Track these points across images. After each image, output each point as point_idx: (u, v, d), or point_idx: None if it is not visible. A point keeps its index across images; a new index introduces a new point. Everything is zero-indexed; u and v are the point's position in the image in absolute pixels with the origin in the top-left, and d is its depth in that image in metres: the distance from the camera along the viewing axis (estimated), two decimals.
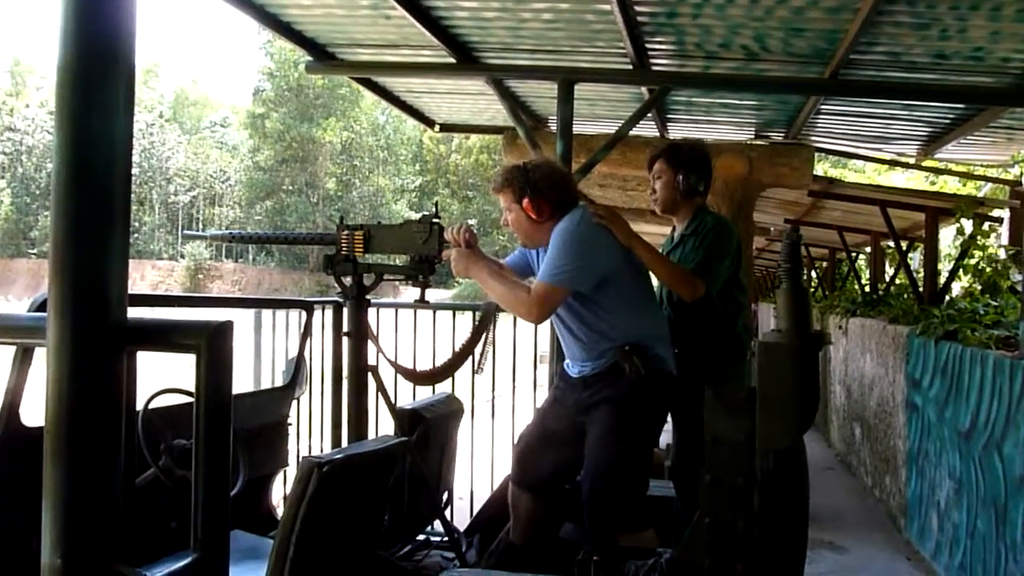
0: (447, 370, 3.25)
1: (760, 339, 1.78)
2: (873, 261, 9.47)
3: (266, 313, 4.44)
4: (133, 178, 1.12)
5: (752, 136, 6.20)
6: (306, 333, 3.67)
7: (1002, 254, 5.84)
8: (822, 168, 15.90)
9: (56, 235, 1.00)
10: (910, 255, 8.25)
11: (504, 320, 3.75)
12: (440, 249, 2.73)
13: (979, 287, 5.66)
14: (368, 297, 2.88)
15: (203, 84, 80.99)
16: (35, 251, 56.09)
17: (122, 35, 1.03)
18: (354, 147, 55.21)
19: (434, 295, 3.78)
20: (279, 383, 3.66)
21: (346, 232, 2.78)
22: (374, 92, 5.57)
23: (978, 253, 5.86)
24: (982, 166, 7.02)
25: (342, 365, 3.10)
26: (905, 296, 7.17)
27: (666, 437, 3.06)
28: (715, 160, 3.23)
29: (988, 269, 5.60)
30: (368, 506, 2.43)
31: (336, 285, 2.86)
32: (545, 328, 3.86)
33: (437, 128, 6.73)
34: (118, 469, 0.99)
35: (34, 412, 1.64)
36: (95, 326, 0.98)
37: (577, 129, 4.73)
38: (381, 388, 3.02)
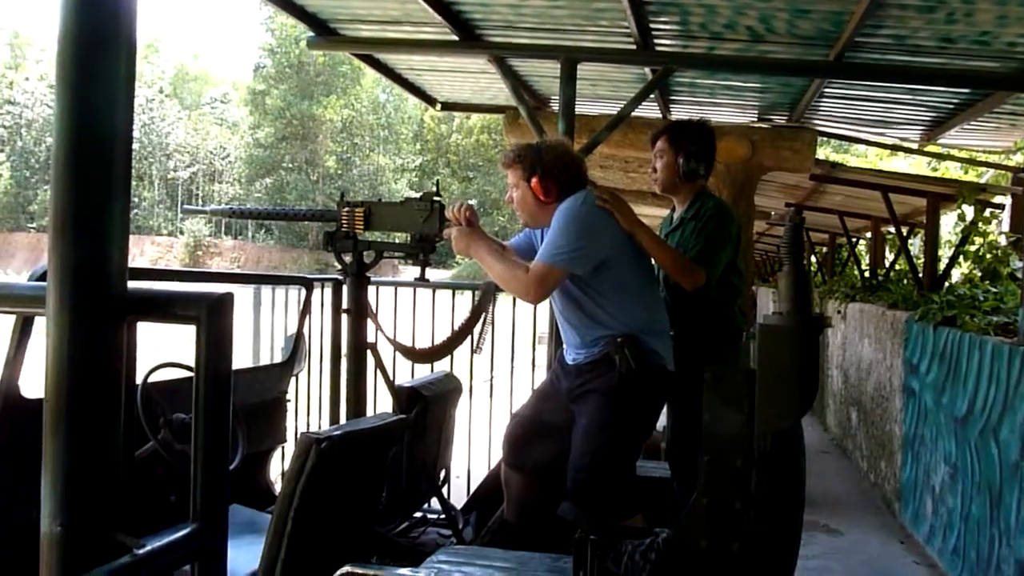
0: (446, 349, 3.25)
1: (761, 321, 1.78)
2: (873, 246, 9.47)
3: (265, 290, 4.45)
4: (133, 154, 1.12)
5: (755, 119, 6.17)
6: (305, 310, 3.67)
7: (1003, 241, 5.84)
8: (824, 153, 15.85)
9: (56, 205, 0.99)
10: (910, 241, 8.24)
11: (503, 300, 3.75)
12: (441, 227, 2.72)
13: (979, 274, 5.66)
14: (368, 275, 2.88)
15: (204, 60, 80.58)
16: (34, 225, 56.02)
17: (123, 8, 1.02)
18: (355, 125, 55.01)
19: (434, 275, 3.77)
20: (278, 360, 3.67)
21: (347, 209, 2.77)
22: (375, 69, 5.53)
23: (979, 240, 5.86)
24: (985, 152, 6.99)
25: (341, 342, 3.10)
26: (905, 282, 7.17)
27: (662, 419, 3.06)
28: (717, 142, 3.21)
29: (988, 256, 5.60)
30: (366, 483, 2.44)
31: (336, 262, 2.85)
32: (544, 309, 3.86)
33: (438, 106, 6.69)
34: (117, 438, 0.99)
35: (34, 384, 1.64)
36: (95, 295, 0.97)
37: (579, 109, 4.70)
38: (380, 366, 3.02)
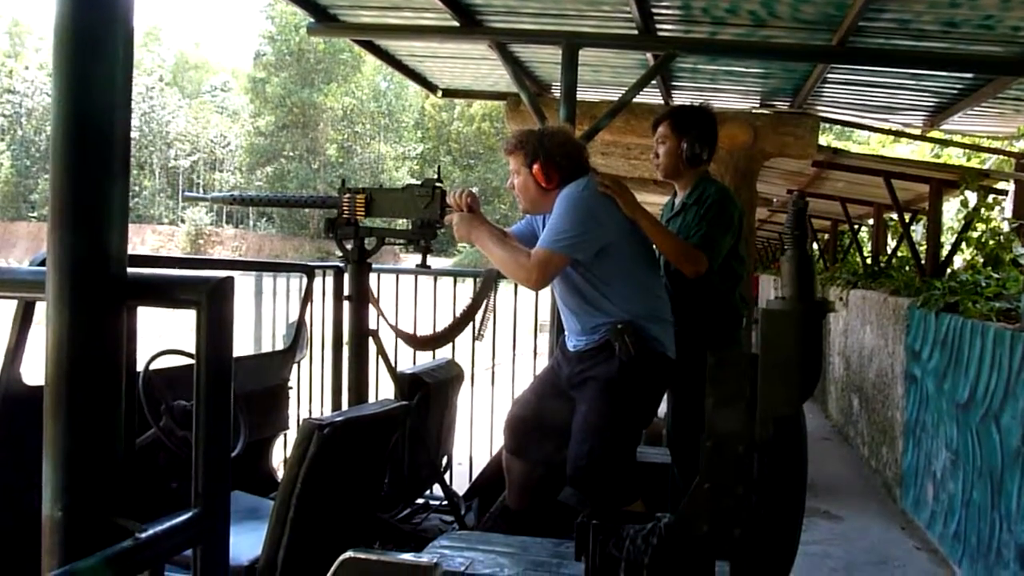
0: (448, 336, 3.25)
1: (764, 306, 1.77)
2: (875, 233, 9.44)
3: (267, 278, 4.44)
4: (133, 142, 1.11)
5: (757, 104, 6.15)
6: (307, 297, 3.67)
7: (1005, 227, 5.82)
8: (826, 139, 15.78)
9: (55, 189, 0.99)
10: (913, 227, 8.22)
11: (505, 287, 3.74)
12: (442, 214, 2.71)
13: (981, 260, 5.64)
14: (369, 262, 2.87)
15: (204, 48, 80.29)
16: (35, 214, 56.02)
17: None
18: (355, 113, 54.89)
19: (435, 263, 3.76)
20: (280, 347, 3.67)
21: (348, 196, 2.76)
22: (376, 56, 5.51)
23: (981, 226, 5.84)
24: (988, 138, 6.97)
25: (343, 329, 3.10)
26: (907, 268, 7.16)
27: (663, 404, 3.06)
28: (719, 128, 3.19)
29: (991, 242, 5.58)
30: (368, 469, 2.45)
31: (337, 249, 2.84)
32: (546, 296, 3.85)
33: (439, 93, 6.67)
34: (117, 423, 0.99)
35: (35, 371, 1.64)
36: (94, 279, 0.97)
37: (581, 96, 4.68)
38: (382, 352, 3.02)
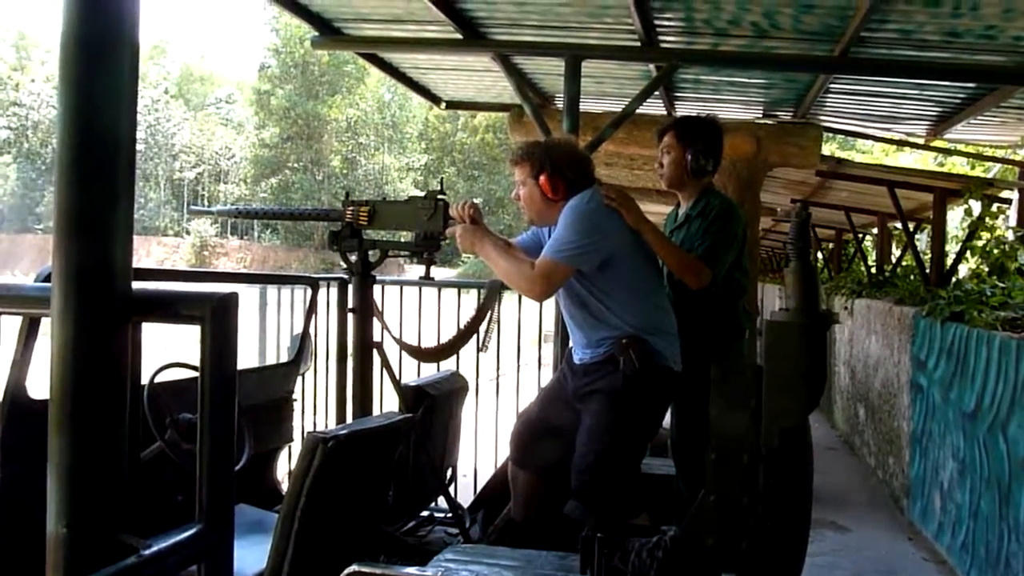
0: (451, 347, 3.25)
1: (768, 318, 1.77)
2: (880, 242, 9.43)
3: (271, 290, 4.45)
4: (139, 154, 1.12)
5: (760, 115, 6.16)
6: (311, 310, 3.67)
7: (1010, 236, 5.81)
8: (829, 149, 15.79)
9: (60, 205, 0.99)
10: (917, 236, 8.21)
11: (509, 299, 3.74)
12: (445, 225, 2.71)
13: (986, 269, 5.63)
14: (373, 274, 2.88)
15: (209, 61, 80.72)
16: (41, 227, 56.17)
17: (126, 8, 1.02)
18: (359, 125, 55.07)
19: (439, 273, 3.77)
20: (284, 360, 3.67)
21: (351, 208, 2.77)
22: (380, 68, 5.53)
23: (986, 235, 5.83)
24: (991, 147, 6.96)
25: (347, 342, 3.10)
26: (912, 277, 7.15)
27: (667, 416, 3.05)
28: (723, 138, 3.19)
29: (996, 251, 5.57)
30: (372, 482, 2.44)
31: (341, 262, 2.85)
32: (549, 307, 3.85)
33: (443, 105, 6.69)
34: (123, 439, 0.99)
35: (41, 386, 1.64)
36: (100, 296, 0.97)
37: (584, 107, 4.69)
38: (386, 365, 3.02)
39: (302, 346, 3.61)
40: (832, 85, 5.12)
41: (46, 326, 1.11)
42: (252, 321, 4.39)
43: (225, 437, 1.07)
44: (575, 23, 4.27)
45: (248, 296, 4.19)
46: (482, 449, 4.48)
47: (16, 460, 2.13)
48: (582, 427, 2.61)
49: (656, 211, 7.26)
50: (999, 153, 7.28)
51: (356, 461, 2.24)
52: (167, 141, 59.11)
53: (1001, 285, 4.75)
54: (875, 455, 6.18)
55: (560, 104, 5.00)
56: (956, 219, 8.14)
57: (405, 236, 2.85)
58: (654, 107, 5.87)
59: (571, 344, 2.80)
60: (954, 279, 6.01)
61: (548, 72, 5.38)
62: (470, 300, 4.09)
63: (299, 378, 3.68)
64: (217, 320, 1.02)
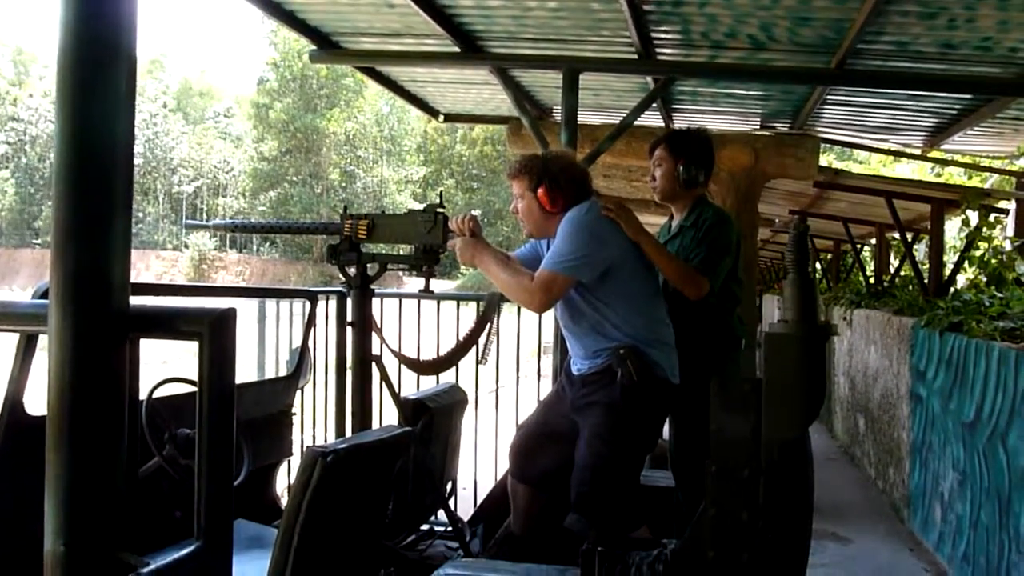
0: (451, 360, 3.24)
1: (767, 330, 1.77)
2: (878, 252, 9.44)
3: (270, 303, 4.45)
4: (137, 168, 1.12)
5: (757, 127, 6.18)
6: (310, 323, 3.67)
7: (1008, 246, 5.81)
8: (826, 160, 15.81)
9: (58, 222, 0.99)
10: (915, 247, 8.22)
11: (508, 310, 3.74)
12: (445, 239, 2.72)
13: (984, 279, 5.63)
14: (372, 287, 2.88)
15: (208, 75, 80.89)
16: (39, 241, 56.17)
17: (123, 23, 1.02)
18: (358, 137, 55.13)
19: (438, 285, 3.77)
20: (283, 373, 3.66)
21: (350, 221, 2.77)
22: (378, 82, 5.55)
23: (983, 245, 5.83)
24: (988, 157, 6.98)
25: (346, 355, 3.10)
26: (910, 288, 7.15)
27: (666, 427, 3.05)
28: (720, 151, 3.21)
29: (994, 261, 5.57)
30: (372, 496, 2.43)
31: (340, 275, 2.85)
32: (548, 319, 3.85)
33: (441, 118, 6.71)
34: (121, 456, 0.98)
35: (39, 402, 1.64)
36: (97, 312, 0.97)
37: (582, 119, 4.71)
38: (385, 378, 3.01)
39: (301, 360, 3.61)
40: (829, 97, 5.15)
41: (43, 341, 1.11)
42: (251, 335, 4.39)
43: (224, 453, 1.07)
44: (572, 36, 4.30)
45: (247, 310, 4.20)
46: (482, 462, 4.47)
47: (13, 477, 2.12)
48: (580, 439, 2.61)
49: (654, 222, 7.25)
50: (996, 163, 7.30)
51: (356, 475, 2.24)
52: (165, 155, 59.18)
53: (999, 295, 4.75)
54: (875, 465, 6.17)
55: (558, 116, 5.03)
56: (954, 229, 8.16)
57: (404, 249, 2.85)
58: (652, 119, 5.90)
59: (570, 355, 2.80)
60: (952, 289, 6.01)
61: (546, 85, 5.40)
62: (469, 312, 4.09)
63: (298, 392, 3.67)
64: (216, 336, 1.02)
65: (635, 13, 3.78)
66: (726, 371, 3.03)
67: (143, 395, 2.18)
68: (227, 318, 1.04)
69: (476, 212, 2.85)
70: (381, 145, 56.74)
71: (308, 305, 3.69)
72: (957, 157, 7.27)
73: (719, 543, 1.78)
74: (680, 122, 6.15)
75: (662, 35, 4.19)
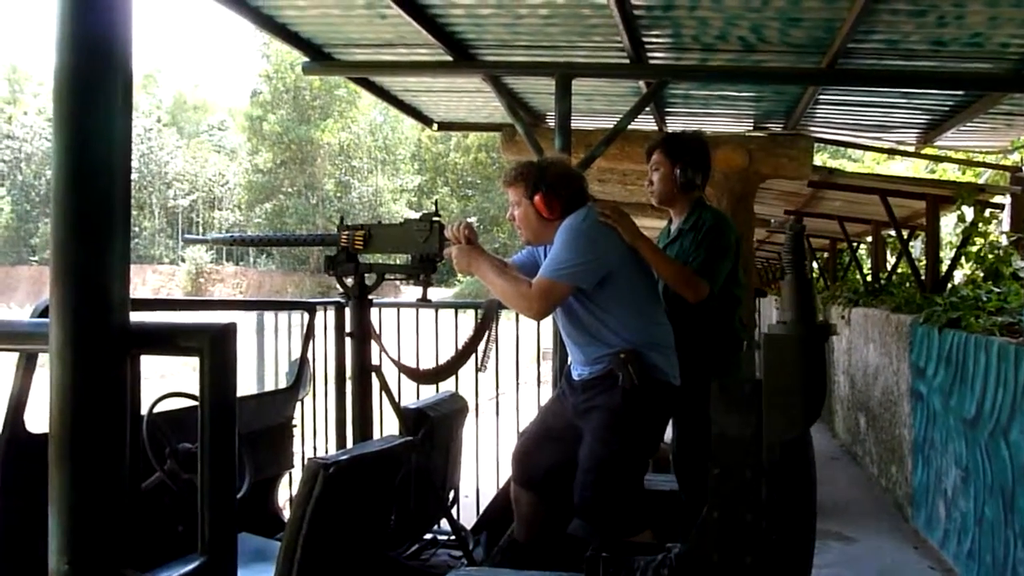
0: (450, 368, 3.24)
1: (765, 331, 1.77)
2: (874, 250, 9.46)
3: (268, 315, 4.44)
4: (133, 183, 1.12)
5: (751, 128, 6.19)
6: (309, 334, 3.67)
7: (1004, 241, 5.83)
8: (820, 159, 15.84)
9: (56, 239, 0.99)
10: (911, 244, 8.23)
11: (506, 317, 3.74)
12: (441, 247, 2.72)
13: (981, 274, 5.64)
14: (370, 297, 2.88)
15: (201, 88, 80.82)
16: (36, 258, 56.10)
17: (118, 38, 1.02)
18: (352, 148, 55.17)
19: (436, 294, 3.77)
20: (283, 385, 3.66)
21: (347, 232, 2.77)
22: (371, 92, 5.56)
23: (980, 240, 5.84)
24: (982, 153, 7.01)
25: (345, 366, 3.10)
26: (907, 285, 7.16)
27: (668, 430, 3.05)
28: (714, 152, 3.22)
29: (990, 256, 5.58)
30: (374, 506, 2.43)
31: (338, 286, 2.85)
32: (547, 325, 3.85)
33: (435, 127, 6.72)
34: (123, 473, 0.98)
35: (39, 419, 1.64)
36: (97, 330, 0.97)
37: (575, 124, 4.72)
38: (385, 388, 3.01)
39: (301, 371, 3.61)
40: (821, 96, 5.16)
41: (44, 359, 1.11)
42: (250, 347, 4.38)
43: (226, 466, 1.06)
44: (564, 42, 4.31)
45: (245, 322, 4.19)
46: (484, 470, 4.47)
47: (16, 495, 2.12)
48: (583, 444, 2.61)
49: (651, 226, 7.26)
50: (990, 159, 7.32)
51: (357, 486, 2.24)
52: (160, 170, 59.17)
53: (997, 290, 4.75)
54: (877, 464, 6.16)
55: (551, 122, 5.04)
56: (949, 225, 8.18)
57: (401, 259, 2.85)
58: (645, 123, 5.91)
59: (570, 361, 2.80)
60: (950, 285, 6.02)
61: (539, 91, 5.41)
62: (467, 320, 4.09)
63: (298, 403, 3.67)
64: (216, 351, 1.02)
65: (626, 17, 3.79)
66: (728, 373, 3.03)
67: (144, 410, 2.18)
68: (227, 333, 1.04)
69: (472, 220, 2.85)
70: (375, 155, 56.78)
71: (307, 316, 3.69)
72: (951, 153, 7.30)
73: (723, 546, 1.78)
74: (673, 125, 6.17)
75: (653, 39, 4.20)
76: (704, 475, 1.83)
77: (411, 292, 3.18)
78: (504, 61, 4.63)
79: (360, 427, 2.87)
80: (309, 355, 3.67)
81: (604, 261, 2.54)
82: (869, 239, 9.96)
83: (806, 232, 1.97)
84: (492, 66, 4.66)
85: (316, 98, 53.74)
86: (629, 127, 4.82)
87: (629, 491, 2.57)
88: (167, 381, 2.44)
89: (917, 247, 9.02)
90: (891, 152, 7.53)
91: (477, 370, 3.39)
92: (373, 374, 2.89)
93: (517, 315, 3.70)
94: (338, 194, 54.87)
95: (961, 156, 7.76)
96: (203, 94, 78.45)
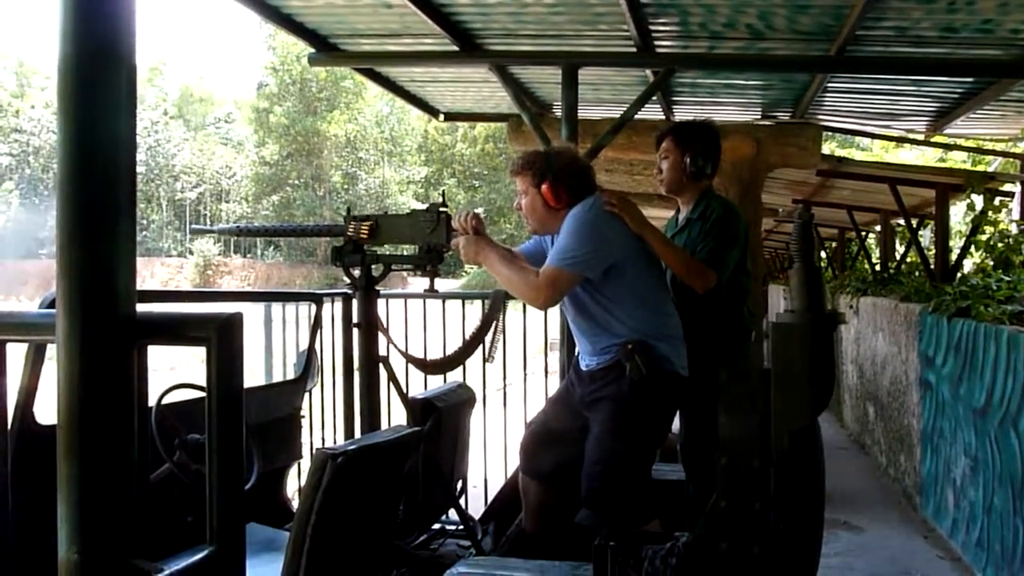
0: (458, 359, 3.25)
1: (774, 320, 1.77)
2: (883, 239, 9.42)
3: (276, 307, 4.46)
4: (140, 176, 1.12)
5: (759, 116, 6.16)
6: (316, 325, 3.67)
7: (1014, 229, 5.80)
8: (829, 147, 15.79)
9: (62, 231, 0.99)
10: (920, 232, 8.19)
11: (514, 307, 3.74)
12: (448, 238, 2.72)
13: (991, 263, 5.62)
14: (377, 288, 2.88)
15: (207, 81, 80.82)
16: (45, 252, 56.26)
17: (122, 31, 1.02)
18: (359, 139, 55.13)
19: (443, 284, 3.78)
20: (291, 376, 3.67)
21: (354, 223, 2.77)
22: (377, 83, 5.55)
23: (989, 228, 5.82)
24: (991, 140, 6.96)
25: (353, 356, 3.10)
26: (916, 274, 7.13)
27: (676, 420, 3.05)
28: (722, 141, 3.20)
29: (1000, 244, 5.56)
30: (383, 496, 2.44)
31: (345, 277, 2.85)
32: (555, 314, 3.85)
33: (441, 117, 6.71)
34: (132, 463, 0.98)
35: (48, 410, 1.65)
36: (104, 321, 0.97)
37: (582, 114, 4.70)
38: (393, 378, 3.02)
39: (308, 362, 3.61)
40: (830, 84, 5.13)
41: (52, 350, 1.11)
42: (258, 338, 4.40)
43: (234, 457, 1.06)
44: (571, 31, 4.29)
45: (253, 313, 4.20)
46: (492, 460, 4.48)
47: (26, 486, 2.13)
48: (590, 434, 2.61)
49: (658, 215, 7.24)
50: (999, 146, 7.27)
51: (366, 476, 2.24)
52: (167, 162, 59.22)
53: (1006, 279, 4.73)
54: (886, 453, 6.15)
55: (558, 112, 5.02)
56: (959, 214, 8.14)
57: (408, 249, 2.85)
58: (652, 112, 5.88)
59: (577, 351, 2.80)
60: (959, 274, 5.99)
61: (545, 81, 5.39)
62: (475, 311, 4.09)
63: (306, 394, 3.68)
64: (223, 341, 1.02)
65: (633, 6, 3.77)
66: (736, 363, 3.02)
67: (152, 402, 2.19)
68: (234, 322, 1.03)
69: (479, 210, 2.85)
70: (382, 146, 56.75)
71: (314, 308, 3.69)
72: (960, 141, 7.25)
73: (731, 535, 1.78)
74: (680, 114, 6.14)
75: (660, 27, 4.18)
76: (712, 465, 1.83)
77: (418, 283, 3.18)
78: (510, 51, 4.62)
79: (368, 417, 2.88)
80: (317, 346, 3.68)
81: (611, 250, 2.54)
82: (878, 228, 9.91)
83: (814, 221, 1.96)
84: (498, 56, 4.65)
85: (322, 90, 53.71)
86: (636, 117, 4.80)
87: (637, 481, 2.57)
88: (177, 373, 2.45)
89: (926, 236, 8.97)
90: (900, 140, 7.48)
91: (484, 360, 3.40)
92: (381, 365, 2.90)
93: (524, 305, 3.70)
94: (345, 186, 54.89)
95: (971, 144, 7.71)
96: (209, 86, 78.38)
